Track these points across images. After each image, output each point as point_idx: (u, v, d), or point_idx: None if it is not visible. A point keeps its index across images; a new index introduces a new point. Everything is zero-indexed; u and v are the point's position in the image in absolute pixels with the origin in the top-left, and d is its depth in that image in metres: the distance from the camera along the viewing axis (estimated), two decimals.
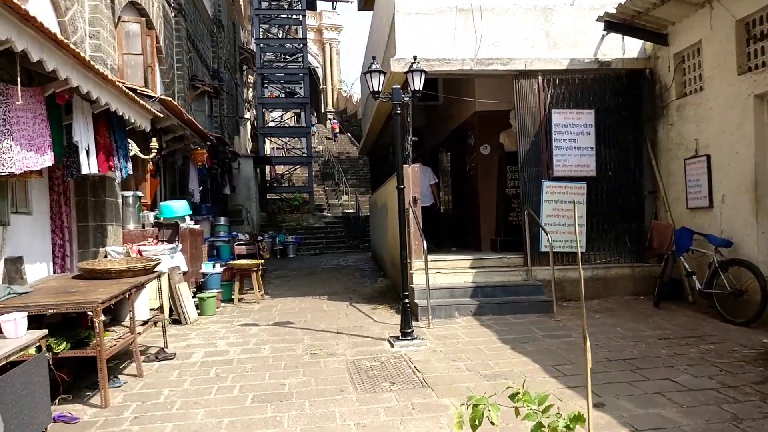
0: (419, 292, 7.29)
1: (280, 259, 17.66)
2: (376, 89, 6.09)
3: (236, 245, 10.76)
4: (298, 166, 25.14)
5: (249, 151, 22.36)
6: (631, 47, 8.39)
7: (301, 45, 22.81)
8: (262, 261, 9.49)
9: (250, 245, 11.00)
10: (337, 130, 36.86)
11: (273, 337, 6.52)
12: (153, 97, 7.90)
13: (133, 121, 6.62)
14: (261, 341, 6.33)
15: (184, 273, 7.99)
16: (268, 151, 25.83)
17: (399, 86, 6.33)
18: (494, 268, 8.08)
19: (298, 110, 28.67)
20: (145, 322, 5.59)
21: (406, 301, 6.01)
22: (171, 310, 7.48)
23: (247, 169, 19.30)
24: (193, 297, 8.29)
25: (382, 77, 6.08)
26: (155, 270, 5.90)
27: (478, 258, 8.22)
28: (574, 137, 8.21)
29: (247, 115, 28.45)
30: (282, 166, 26.79)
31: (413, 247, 7.94)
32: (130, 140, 7.48)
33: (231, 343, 6.27)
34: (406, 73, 6.18)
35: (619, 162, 8.38)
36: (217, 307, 8.37)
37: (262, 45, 22.61)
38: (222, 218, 13.80)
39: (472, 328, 6.63)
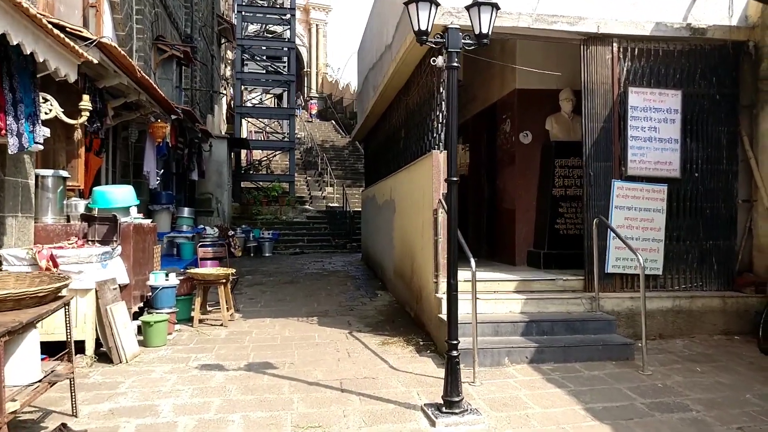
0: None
1: (255, 259, 15.40)
2: (422, 27, 3.96)
3: (200, 247, 8.49)
4: (278, 152, 22.80)
5: (223, 133, 19.97)
6: (726, 13, 6.42)
7: (289, 16, 20.37)
8: (233, 271, 7.28)
9: (218, 247, 8.74)
10: (314, 111, 35.60)
11: (246, 395, 4.37)
12: (88, 39, 5.64)
13: (47, 63, 4.38)
14: (228, 404, 4.17)
15: (123, 287, 5.77)
16: (245, 135, 23.42)
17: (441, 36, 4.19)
18: (546, 292, 6.05)
19: (280, 91, 26.30)
20: (33, 384, 3.39)
21: (454, 354, 3.92)
22: (98, 342, 5.27)
23: (219, 151, 16.98)
24: (136, 319, 6.08)
25: (433, 10, 3.94)
26: (59, 295, 3.71)
27: (524, 279, 6.17)
28: (654, 125, 6.22)
29: (223, 93, 26.00)
30: (260, 151, 24.41)
31: (441, 262, 5.87)
32: (46, 96, 5.22)
33: (181, 407, 4.10)
34: (468, 7, 4.05)
35: (708, 160, 6.42)
36: (170, 333, 6.16)
37: (244, 13, 20.13)
38: (186, 209, 11.52)
39: (535, 386, 4.58)
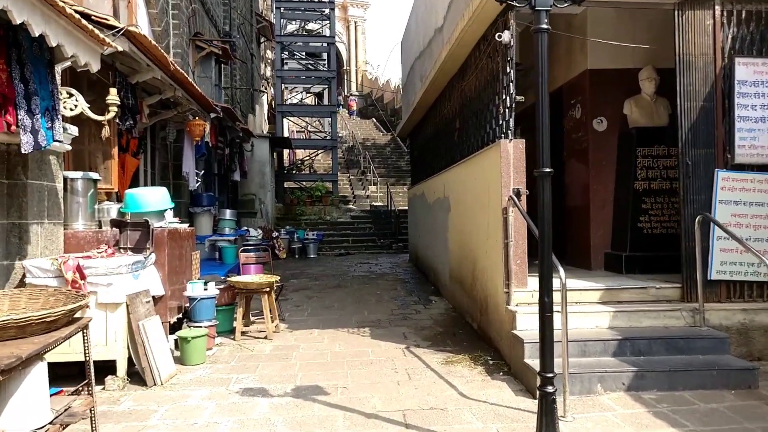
0: (530, 346, 4.44)
1: (299, 261, 14.88)
2: None
3: (242, 251, 7.92)
4: (321, 151, 22.30)
5: (265, 133, 19.58)
6: None
7: (328, 10, 19.81)
8: (277, 278, 6.66)
9: (262, 251, 8.15)
10: (354, 108, 35.74)
11: (293, 430, 3.71)
12: (115, 27, 5.10)
13: (63, 49, 3.82)
14: None
15: (159, 298, 5.22)
16: (286, 134, 23.03)
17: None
18: (636, 303, 5.18)
19: (320, 89, 25.84)
20: (43, 428, 2.80)
21: (549, 390, 3.14)
22: (130, 360, 4.72)
23: (262, 151, 16.55)
24: (173, 332, 5.53)
25: None
26: (74, 319, 3.13)
27: (610, 288, 5.32)
28: None
29: (264, 96, 25.71)
30: (302, 150, 23.99)
31: (513, 269, 5.09)
32: (71, 90, 4.70)
33: None
34: None
35: None
36: (209, 348, 5.59)
37: (283, 9, 19.67)
38: (228, 211, 11.04)
39: (642, 422, 3.74)
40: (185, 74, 7.00)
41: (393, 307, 8.02)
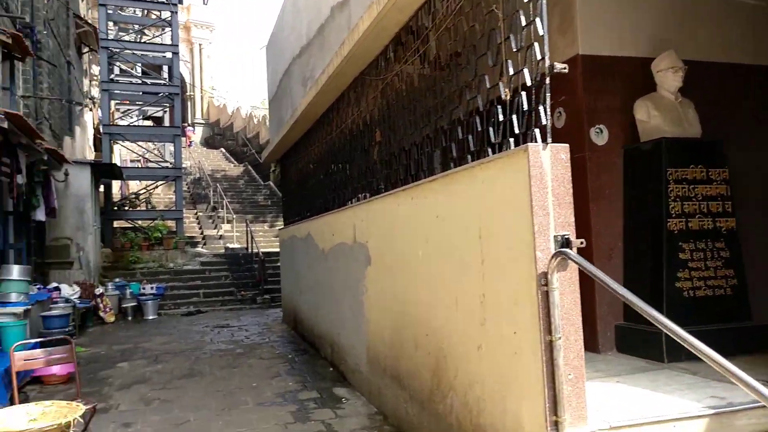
0: None
1: (133, 326, 11.14)
2: None
3: (17, 351, 4.37)
4: (161, 183, 18.41)
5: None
6: None
7: (170, 13, 16.28)
8: (77, 414, 3.45)
9: (60, 343, 4.68)
10: (193, 139, 32.85)
11: None
12: None
13: None
14: None
15: None
16: (118, 163, 18.85)
17: None
18: None
19: (161, 112, 22.02)
20: None
21: None
22: None
23: (80, 182, 12.58)
24: None
25: None
26: None
27: (716, 411, 3.06)
28: None
29: (88, 116, 21.15)
30: (138, 182, 19.82)
31: (564, 389, 2.65)
32: None
33: None
34: None
35: None
36: None
37: (109, 8, 15.78)
38: (14, 267, 7.29)
39: None
40: None
41: (284, 416, 5.14)
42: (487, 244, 3.28)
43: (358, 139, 6.15)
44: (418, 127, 4.61)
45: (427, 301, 4.13)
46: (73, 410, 3.44)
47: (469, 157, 3.71)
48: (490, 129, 3.43)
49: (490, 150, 3.37)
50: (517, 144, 3.09)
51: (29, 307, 6.95)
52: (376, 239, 5.24)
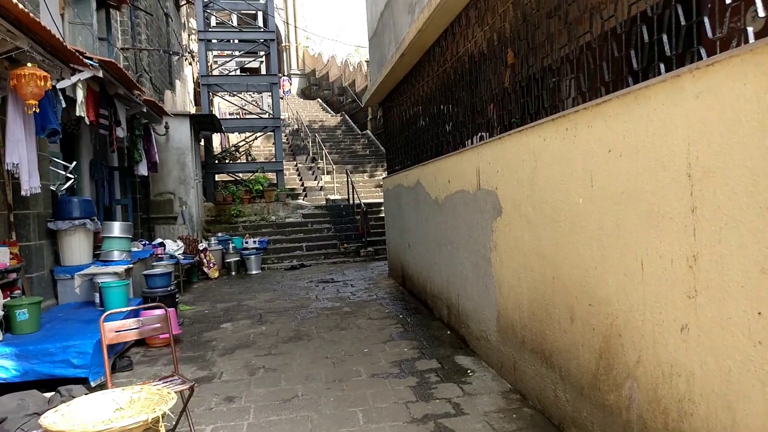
0: None
1: (237, 282, 10.97)
2: None
3: (106, 322, 3.87)
4: (260, 134, 18.22)
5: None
6: None
7: None
8: (174, 398, 2.86)
9: (154, 314, 4.15)
10: (287, 89, 31.96)
11: None
12: None
13: None
14: None
15: None
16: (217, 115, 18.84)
17: None
18: None
19: (257, 63, 21.70)
20: None
21: None
22: None
23: (181, 135, 12.45)
24: None
25: None
26: None
27: None
28: None
29: (187, 70, 21.32)
30: (236, 134, 19.84)
31: None
32: None
33: None
34: None
35: None
36: None
37: None
38: (116, 225, 7.03)
39: None
40: None
41: (403, 392, 4.40)
42: (704, 186, 2.21)
43: (481, 65, 5.07)
44: (573, 37, 3.48)
45: (589, 262, 3.11)
46: (163, 399, 2.84)
47: (630, 78, 2.62)
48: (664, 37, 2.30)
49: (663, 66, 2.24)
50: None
51: (131, 265, 6.68)
52: (509, 185, 4.23)
